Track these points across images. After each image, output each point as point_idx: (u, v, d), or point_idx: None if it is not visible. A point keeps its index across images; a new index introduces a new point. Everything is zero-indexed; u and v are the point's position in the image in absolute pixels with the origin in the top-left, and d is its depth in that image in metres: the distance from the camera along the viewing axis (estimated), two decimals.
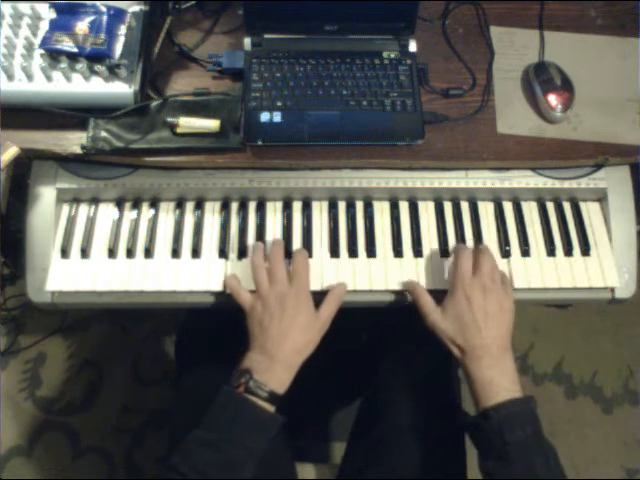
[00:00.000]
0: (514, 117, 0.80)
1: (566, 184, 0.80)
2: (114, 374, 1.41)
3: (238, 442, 0.62)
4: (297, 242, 0.79)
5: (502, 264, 0.78)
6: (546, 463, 0.62)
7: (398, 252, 0.79)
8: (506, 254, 0.79)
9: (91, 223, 0.79)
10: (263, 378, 0.65)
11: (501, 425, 0.62)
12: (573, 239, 0.80)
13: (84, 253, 0.77)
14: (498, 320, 0.68)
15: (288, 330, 0.67)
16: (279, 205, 0.81)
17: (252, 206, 0.81)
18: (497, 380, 0.65)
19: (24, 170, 0.77)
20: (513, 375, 0.66)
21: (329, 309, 0.71)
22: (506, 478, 0.62)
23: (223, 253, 0.78)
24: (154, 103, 0.76)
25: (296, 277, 0.71)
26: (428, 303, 0.71)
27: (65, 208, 0.79)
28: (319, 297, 0.73)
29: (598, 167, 0.80)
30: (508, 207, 0.83)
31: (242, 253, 0.78)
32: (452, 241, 0.80)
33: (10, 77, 0.73)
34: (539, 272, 0.78)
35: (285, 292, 0.69)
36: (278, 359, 0.66)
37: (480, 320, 0.67)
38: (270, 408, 0.65)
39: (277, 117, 0.76)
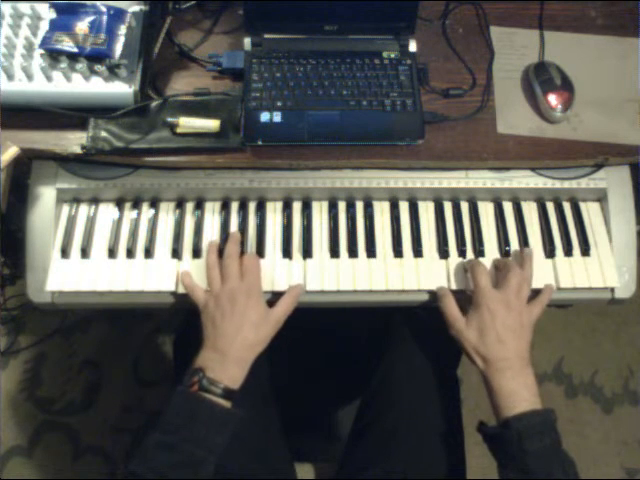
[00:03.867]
0: (514, 117, 0.80)
1: (566, 184, 0.80)
2: (114, 374, 1.41)
3: (196, 441, 0.62)
4: (297, 242, 0.79)
5: None
6: (564, 474, 0.63)
7: (398, 252, 0.79)
8: (506, 254, 0.79)
9: (91, 223, 0.79)
10: (216, 375, 0.65)
11: (521, 434, 0.63)
12: (573, 239, 0.80)
13: (84, 253, 0.77)
14: (519, 335, 0.70)
15: (239, 327, 0.68)
16: (279, 205, 0.81)
17: (252, 206, 0.81)
18: (519, 391, 0.66)
19: (24, 170, 0.77)
20: (534, 387, 0.68)
21: (283, 308, 0.72)
22: None
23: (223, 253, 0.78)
24: (154, 103, 0.76)
25: (247, 274, 0.71)
26: (454, 312, 0.73)
27: (65, 208, 0.79)
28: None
29: (598, 167, 0.80)
30: (508, 207, 0.83)
31: (241, 253, 0.77)
32: (452, 241, 0.80)
33: (10, 77, 0.73)
34: (539, 272, 0.78)
35: (236, 288, 0.70)
36: (230, 356, 0.67)
37: (502, 334, 0.69)
38: (226, 404, 0.65)
39: (277, 117, 0.76)
